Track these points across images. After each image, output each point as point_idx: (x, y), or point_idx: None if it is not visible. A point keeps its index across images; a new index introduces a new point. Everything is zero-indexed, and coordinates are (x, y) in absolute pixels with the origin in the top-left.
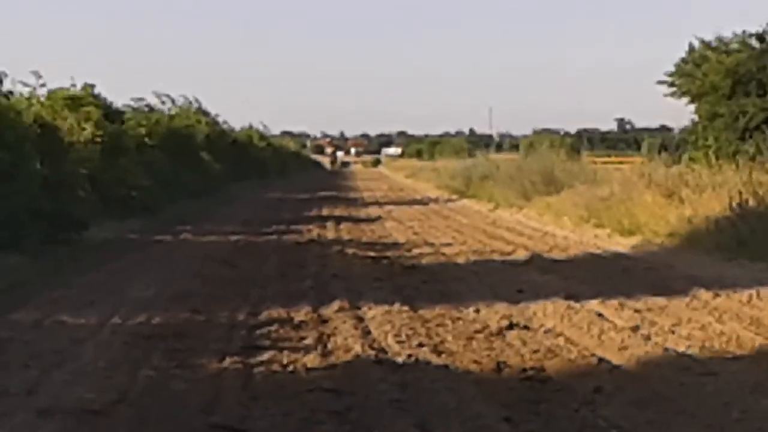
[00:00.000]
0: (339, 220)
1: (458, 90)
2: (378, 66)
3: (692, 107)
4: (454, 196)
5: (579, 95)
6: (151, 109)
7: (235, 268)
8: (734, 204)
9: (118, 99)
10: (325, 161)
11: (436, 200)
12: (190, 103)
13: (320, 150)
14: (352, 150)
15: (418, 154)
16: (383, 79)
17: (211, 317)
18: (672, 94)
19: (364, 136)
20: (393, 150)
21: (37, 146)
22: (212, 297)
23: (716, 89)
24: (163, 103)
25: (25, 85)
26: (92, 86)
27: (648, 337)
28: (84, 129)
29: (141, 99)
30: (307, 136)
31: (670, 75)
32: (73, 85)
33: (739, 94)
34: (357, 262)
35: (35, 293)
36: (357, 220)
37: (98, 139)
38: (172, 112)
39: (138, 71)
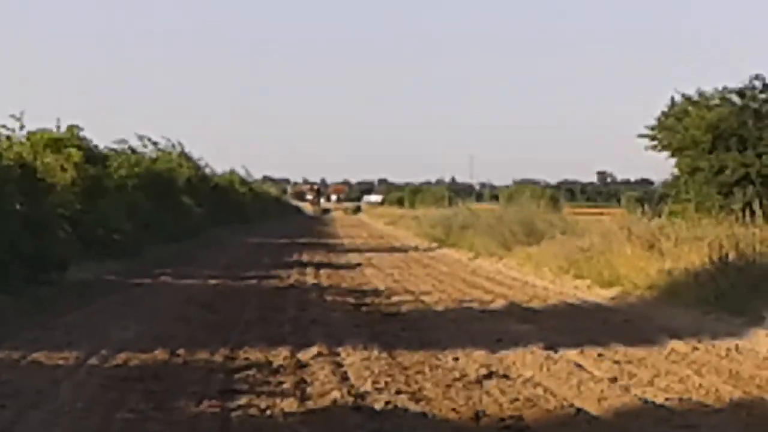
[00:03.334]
0: (319, 266)
1: (440, 139)
2: (360, 114)
3: (673, 161)
4: (434, 245)
5: (560, 147)
6: (134, 151)
7: (214, 312)
8: (715, 257)
9: (102, 141)
10: (307, 206)
11: (416, 248)
12: (173, 146)
13: (301, 196)
14: (333, 197)
15: (399, 202)
16: (365, 126)
17: (190, 360)
18: (653, 147)
19: (345, 183)
20: (374, 197)
21: (17, 186)
22: (191, 340)
23: (697, 143)
24: (145, 146)
25: (5, 127)
26: (76, 127)
27: (627, 389)
28: (65, 170)
29: (124, 141)
30: (288, 182)
31: (652, 128)
32: (58, 127)
33: (720, 149)
34: (337, 308)
35: (14, 333)
36: (337, 267)
37: (79, 181)
38: (155, 155)
39: (121, 113)
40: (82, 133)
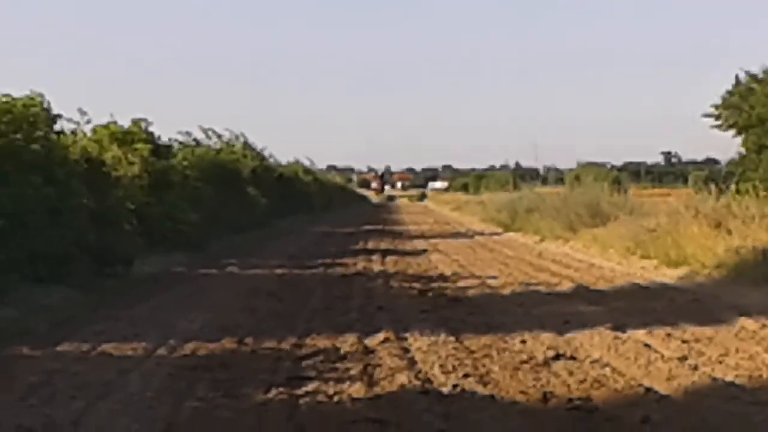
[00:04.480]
0: (385, 253)
1: (504, 125)
2: (423, 101)
3: (739, 140)
4: (500, 230)
5: (625, 129)
6: (198, 143)
7: (281, 301)
8: None
9: (165, 133)
10: (372, 194)
11: (481, 233)
12: (236, 137)
13: (366, 184)
14: (398, 184)
15: (464, 188)
16: (430, 113)
17: (257, 348)
18: (718, 127)
19: (410, 170)
20: (439, 184)
21: (84, 181)
22: (258, 329)
23: (763, 121)
24: (209, 137)
25: (71, 121)
26: (143, 121)
27: (695, 367)
28: (132, 164)
29: (188, 133)
30: (353, 170)
31: (716, 107)
32: (114, 122)
33: None
34: (403, 294)
35: (82, 325)
36: (403, 254)
37: (145, 174)
38: (218, 147)
39: (185, 106)
40: (148, 127)
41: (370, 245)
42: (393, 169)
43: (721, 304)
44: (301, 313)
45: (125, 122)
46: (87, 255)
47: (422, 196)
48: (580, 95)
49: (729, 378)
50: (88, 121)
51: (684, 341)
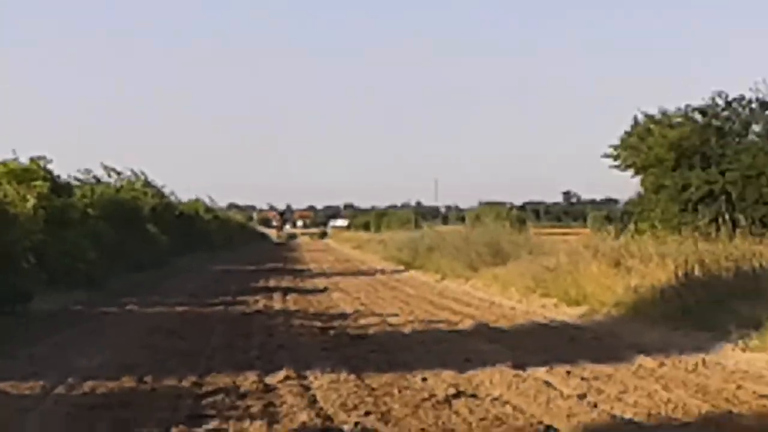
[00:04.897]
0: (286, 291)
1: (404, 163)
2: (325, 139)
3: (637, 180)
4: (401, 267)
5: (524, 169)
6: (98, 181)
7: (182, 339)
8: (680, 274)
9: (66, 170)
10: (272, 233)
11: (382, 271)
12: (137, 175)
13: (267, 222)
14: (299, 222)
15: (365, 227)
16: (329, 151)
17: (158, 387)
18: (617, 167)
19: (311, 208)
20: (340, 222)
21: None
22: (158, 367)
23: (661, 161)
24: (109, 175)
25: None
26: (43, 159)
27: (595, 405)
28: (27, 200)
29: (88, 171)
30: (254, 208)
31: (615, 148)
32: (15, 159)
33: (684, 167)
34: (304, 332)
35: None
36: (304, 291)
37: (43, 212)
38: (119, 185)
39: (83, 143)
40: (47, 165)
41: (272, 283)
42: (294, 206)
43: (620, 342)
44: (202, 350)
45: (25, 159)
46: None
47: (323, 234)
48: (480, 135)
49: (628, 415)
50: None
51: (584, 379)
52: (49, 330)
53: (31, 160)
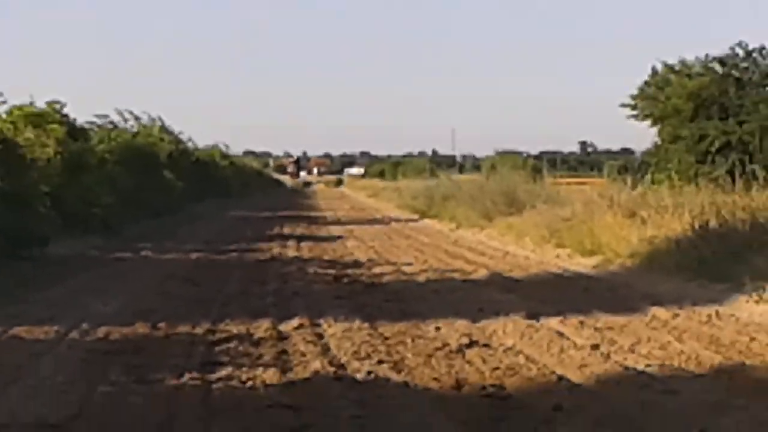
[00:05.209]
0: (300, 238)
1: (421, 111)
2: (341, 86)
3: (654, 130)
4: (416, 216)
5: (541, 119)
6: (115, 126)
7: (196, 285)
8: (696, 225)
9: (81, 116)
10: (287, 180)
11: (397, 220)
12: (153, 120)
13: (283, 169)
14: (315, 169)
15: (381, 175)
16: (346, 99)
17: (171, 333)
18: (634, 117)
19: (327, 155)
20: (356, 170)
21: None
22: (172, 314)
23: (678, 112)
24: (126, 120)
25: None
26: (57, 103)
27: (608, 356)
28: (46, 146)
29: (105, 116)
30: (270, 155)
31: (633, 98)
32: (32, 102)
33: (701, 118)
34: (318, 280)
35: None
36: (318, 239)
37: (60, 157)
38: (135, 130)
39: (100, 88)
40: (63, 109)
41: (286, 230)
42: (310, 154)
43: (634, 293)
44: (216, 297)
45: (41, 104)
46: (1, 237)
47: (339, 182)
48: (497, 84)
49: (640, 367)
50: (4, 102)
51: (597, 329)
52: (64, 275)
53: (47, 104)
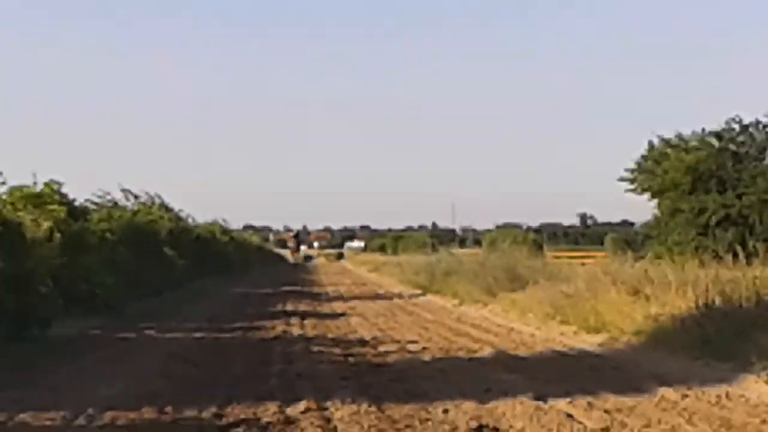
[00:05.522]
0: (304, 315)
1: (421, 185)
2: (341, 161)
3: (653, 203)
4: (418, 291)
5: (541, 190)
6: (115, 204)
7: (200, 367)
8: (701, 303)
9: (80, 194)
10: (288, 254)
11: (400, 295)
12: (152, 198)
13: (283, 244)
14: (315, 243)
15: (382, 249)
16: (346, 174)
17: (179, 418)
18: (633, 190)
19: (327, 229)
20: (356, 244)
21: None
22: (178, 397)
23: (677, 186)
24: (127, 198)
25: None
26: (56, 183)
27: None
28: (42, 226)
29: (106, 193)
30: (270, 229)
31: (631, 172)
32: (35, 183)
33: (700, 191)
34: (323, 359)
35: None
36: (322, 316)
37: (60, 237)
38: (135, 208)
39: (98, 167)
40: (61, 189)
41: (289, 307)
42: (310, 228)
43: (642, 372)
44: (221, 380)
45: (39, 183)
46: (4, 319)
47: (340, 256)
48: (496, 156)
49: None
50: (3, 183)
51: (606, 411)
52: (67, 357)
53: (45, 184)
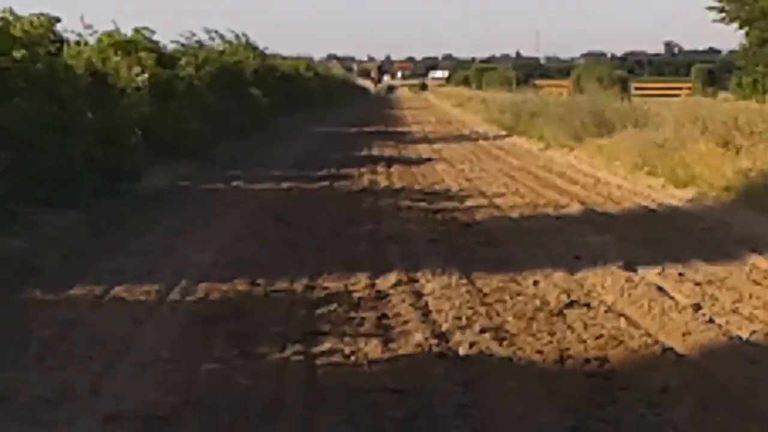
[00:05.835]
0: (390, 161)
1: (504, 12)
2: None
3: (741, 33)
4: (504, 132)
5: (626, 17)
6: (201, 45)
7: (289, 225)
8: None
9: (165, 38)
10: (371, 86)
11: (485, 136)
12: (238, 38)
13: (367, 73)
14: (399, 74)
15: (465, 82)
16: (429, 2)
17: (270, 291)
18: (721, 20)
19: (410, 59)
20: (439, 73)
21: (89, 95)
22: (270, 264)
23: (766, 15)
24: (212, 38)
25: (74, 32)
26: (146, 29)
27: (710, 320)
28: (138, 75)
29: (192, 34)
30: (354, 59)
31: (720, 0)
32: (117, 30)
33: None
34: (411, 217)
35: (93, 260)
36: (408, 162)
37: (149, 85)
38: (221, 48)
39: (181, 8)
40: (150, 35)
41: (375, 151)
42: (393, 58)
43: (732, 234)
44: (310, 242)
45: (126, 30)
46: (95, 173)
47: (423, 87)
48: None
49: (745, 334)
50: (95, 32)
51: (697, 284)
52: (158, 214)
53: (135, 31)
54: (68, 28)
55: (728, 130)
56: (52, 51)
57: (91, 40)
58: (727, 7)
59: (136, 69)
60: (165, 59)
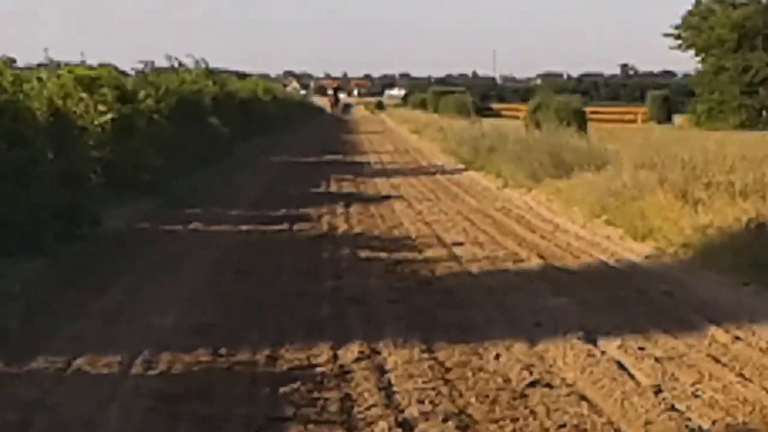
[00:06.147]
0: (348, 198)
1: (462, 32)
2: (382, 7)
3: (698, 59)
4: (461, 166)
5: (583, 39)
6: (159, 72)
7: (249, 278)
8: (750, 223)
9: (125, 65)
10: (327, 106)
11: (443, 170)
12: (197, 63)
13: (323, 91)
14: (355, 91)
15: (423, 105)
16: (387, 20)
17: (232, 363)
18: (678, 47)
19: (367, 77)
20: (396, 91)
21: (50, 135)
22: (231, 329)
23: (722, 43)
24: (173, 67)
25: (36, 66)
26: (110, 66)
27: (672, 406)
28: (103, 113)
29: (150, 62)
30: (311, 76)
31: (677, 27)
32: (83, 62)
33: (745, 48)
34: (371, 271)
35: (54, 323)
36: (366, 200)
37: (111, 122)
38: (181, 78)
39: (141, 34)
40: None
41: (333, 187)
42: (350, 75)
43: (691, 301)
44: (271, 300)
45: (88, 62)
46: (53, 217)
47: (379, 105)
48: (538, 3)
49: (706, 425)
50: (58, 65)
51: (657, 359)
52: (120, 264)
53: (102, 67)
54: (30, 61)
55: (686, 180)
56: (10, 92)
57: (52, 76)
58: (683, 35)
59: (101, 107)
60: (127, 95)
